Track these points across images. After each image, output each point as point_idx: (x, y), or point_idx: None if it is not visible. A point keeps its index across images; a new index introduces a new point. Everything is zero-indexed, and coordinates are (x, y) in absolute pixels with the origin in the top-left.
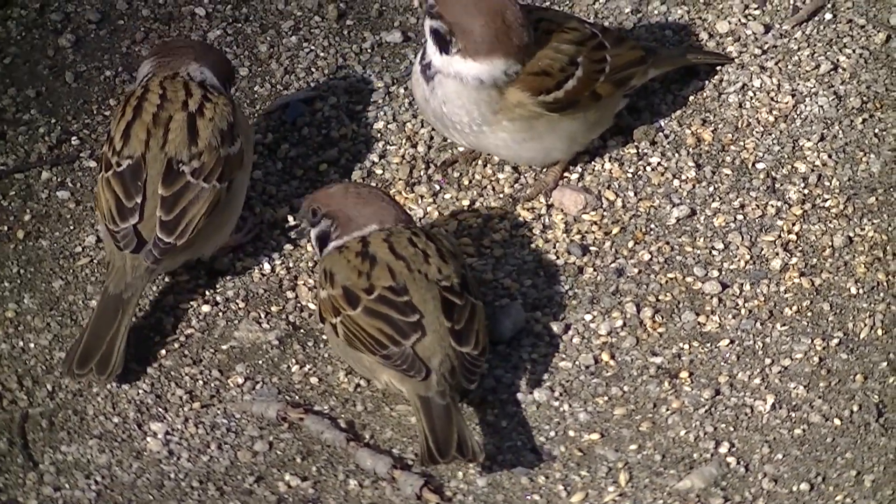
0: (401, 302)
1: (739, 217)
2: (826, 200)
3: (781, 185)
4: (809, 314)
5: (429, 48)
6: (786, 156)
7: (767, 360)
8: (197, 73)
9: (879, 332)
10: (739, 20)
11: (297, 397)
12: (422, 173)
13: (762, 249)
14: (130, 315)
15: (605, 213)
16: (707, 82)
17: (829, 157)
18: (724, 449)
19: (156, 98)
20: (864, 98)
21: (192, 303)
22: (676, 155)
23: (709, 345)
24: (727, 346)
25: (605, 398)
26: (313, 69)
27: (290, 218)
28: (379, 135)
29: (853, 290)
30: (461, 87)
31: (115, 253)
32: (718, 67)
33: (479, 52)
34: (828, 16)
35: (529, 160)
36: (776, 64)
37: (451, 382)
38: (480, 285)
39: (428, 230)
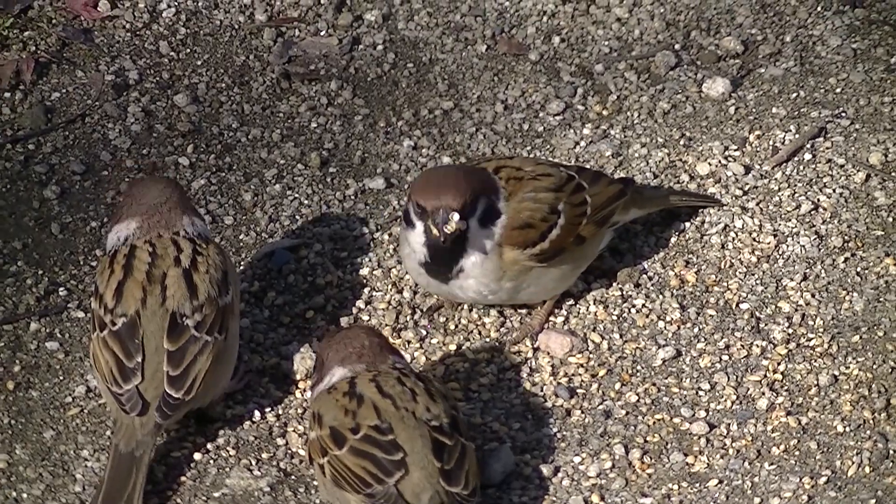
0: (385, 441)
1: (725, 357)
2: (810, 340)
3: (766, 324)
4: (797, 453)
5: (458, 253)
6: (769, 296)
7: (756, 500)
8: (189, 227)
9: (867, 469)
10: (720, 161)
11: None
12: (408, 318)
13: (748, 389)
14: (145, 472)
15: (591, 356)
16: (689, 223)
17: (813, 296)
18: None
19: (146, 256)
20: (846, 237)
21: (183, 450)
22: (660, 297)
23: (698, 485)
24: (716, 485)
25: None
26: (298, 217)
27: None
28: (364, 281)
29: (840, 429)
30: (479, 271)
31: (120, 411)
32: (700, 209)
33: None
34: (807, 156)
35: (525, 302)
36: (757, 204)
37: None
38: (469, 429)
39: (418, 372)
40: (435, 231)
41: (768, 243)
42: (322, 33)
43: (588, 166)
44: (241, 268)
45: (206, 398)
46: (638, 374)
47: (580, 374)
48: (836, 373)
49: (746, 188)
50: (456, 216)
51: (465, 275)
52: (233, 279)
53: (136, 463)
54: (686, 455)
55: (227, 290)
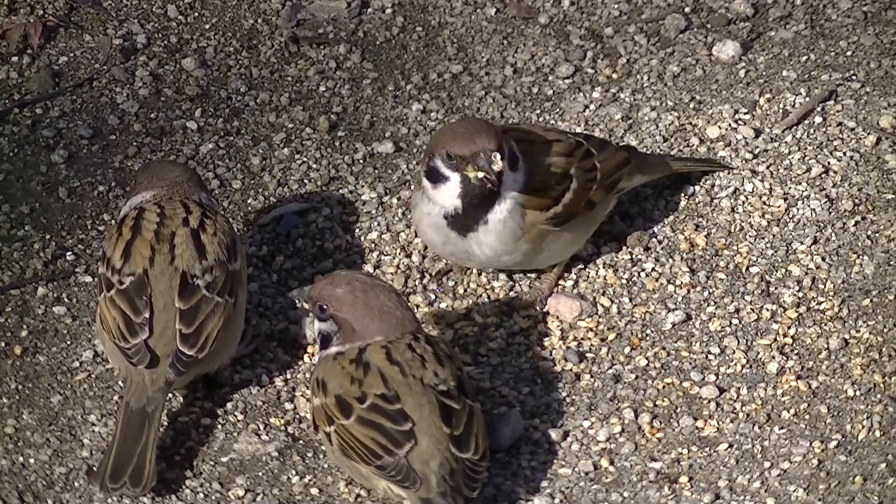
0: (392, 410)
1: (735, 321)
2: (821, 303)
3: (776, 288)
4: (807, 417)
5: (460, 200)
6: (779, 259)
7: (766, 464)
8: (201, 198)
9: (877, 433)
10: (730, 125)
11: None
12: (417, 283)
13: (758, 353)
14: (156, 427)
15: (600, 320)
16: (699, 187)
17: (823, 259)
18: None
19: (154, 216)
20: (856, 200)
21: (191, 415)
22: (670, 260)
23: (707, 449)
24: (726, 450)
25: None
26: (306, 181)
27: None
28: (373, 245)
29: (850, 392)
30: (502, 227)
31: (132, 369)
32: (710, 173)
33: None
34: (818, 119)
35: (534, 267)
36: (767, 168)
37: (451, 485)
38: (478, 394)
39: (427, 334)
40: (480, 175)
41: (778, 207)
42: None
43: (597, 130)
44: (250, 232)
45: (215, 363)
46: (647, 338)
47: (589, 339)
48: (847, 336)
49: (756, 151)
50: (498, 156)
51: (487, 229)
52: (240, 250)
53: (148, 419)
54: (696, 419)
55: (235, 258)
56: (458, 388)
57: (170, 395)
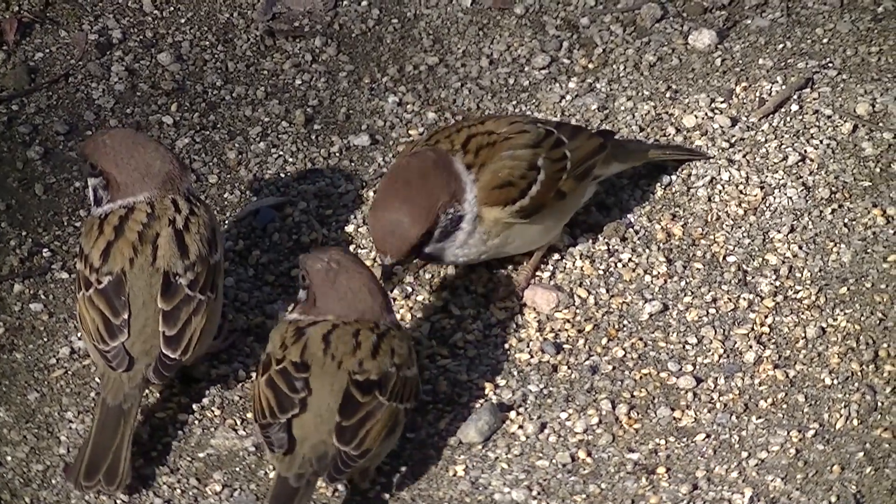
0: (296, 377)
1: (712, 311)
2: (798, 292)
3: (753, 277)
4: (785, 406)
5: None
6: (756, 248)
7: (744, 454)
8: (187, 186)
9: (855, 422)
10: (706, 114)
11: None
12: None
13: (735, 343)
14: (132, 425)
15: (577, 311)
16: (675, 177)
17: (800, 248)
18: None
19: (143, 217)
20: (833, 188)
21: (167, 411)
22: (647, 251)
23: (685, 439)
24: (703, 440)
25: (583, 496)
26: (282, 174)
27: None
28: (350, 238)
29: (827, 381)
30: (469, 242)
31: (107, 367)
32: (687, 162)
33: (460, 197)
34: (794, 107)
35: (508, 255)
36: (744, 157)
37: (316, 469)
38: (454, 386)
39: (389, 329)
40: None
41: (755, 195)
42: None
43: (573, 121)
44: (226, 226)
45: (193, 357)
46: (624, 328)
47: (566, 330)
48: (824, 325)
49: (733, 140)
50: (389, 259)
51: (452, 252)
52: (219, 236)
53: (125, 416)
54: (673, 410)
55: (215, 248)
56: (378, 384)
57: (146, 390)
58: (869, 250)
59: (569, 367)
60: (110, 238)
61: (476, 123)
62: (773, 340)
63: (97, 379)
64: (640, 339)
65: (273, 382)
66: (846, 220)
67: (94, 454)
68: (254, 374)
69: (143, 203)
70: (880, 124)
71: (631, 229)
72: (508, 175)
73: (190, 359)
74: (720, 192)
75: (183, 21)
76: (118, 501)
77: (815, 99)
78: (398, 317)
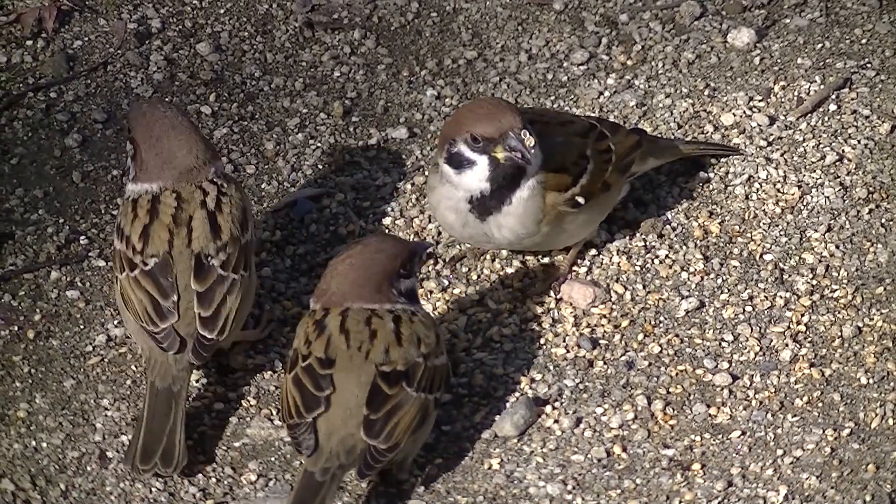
0: (321, 374)
1: (748, 309)
2: (834, 291)
3: (789, 276)
4: (820, 405)
5: (499, 185)
6: (793, 247)
7: (779, 451)
8: (212, 173)
9: (890, 421)
10: (744, 112)
11: None
12: (430, 268)
13: (772, 341)
14: (183, 406)
15: (614, 307)
16: (713, 174)
17: (837, 247)
18: None
19: (171, 201)
20: (871, 188)
21: (203, 400)
22: (684, 247)
23: (720, 436)
24: (739, 437)
25: (618, 491)
26: (320, 166)
27: None
28: (386, 230)
29: (863, 381)
30: (523, 209)
31: (155, 349)
32: (724, 159)
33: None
34: (832, 107)
35: (550, 249)
36: (782, 155)
37: (343, 463)
38: (490, 380)
39: (411, 314)
40: (513, 154)
41: (792, 194)
42: None
43: (612, 117)
44: (263, 217)
45: (231, 337)
46: (661, 325)
47: (603, 325)
48: (860, 324)
49: (771, 139)
50: (527, 132)
51: (509, 211)
52: (250, 215)
53: (175, 398)
54: (709, 406)
55: (247, 228)
56: (405, 375)
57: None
58: None
59: (605, 363)
60: (146, 221)
61: (529, 110)
62: (810, 339)
63: (143, 363)
64: (677, 335)
65: (300, 380)
66: (883, 220)
67: (149, 438)
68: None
69: (168, 191)
70: None
71: (668, 226)
72: (562, 160)
73: (228, 339)
74: (758, 190)
75: (222, 11)
76: (153, 489)
77: (853, 99)
78: (433, 308)
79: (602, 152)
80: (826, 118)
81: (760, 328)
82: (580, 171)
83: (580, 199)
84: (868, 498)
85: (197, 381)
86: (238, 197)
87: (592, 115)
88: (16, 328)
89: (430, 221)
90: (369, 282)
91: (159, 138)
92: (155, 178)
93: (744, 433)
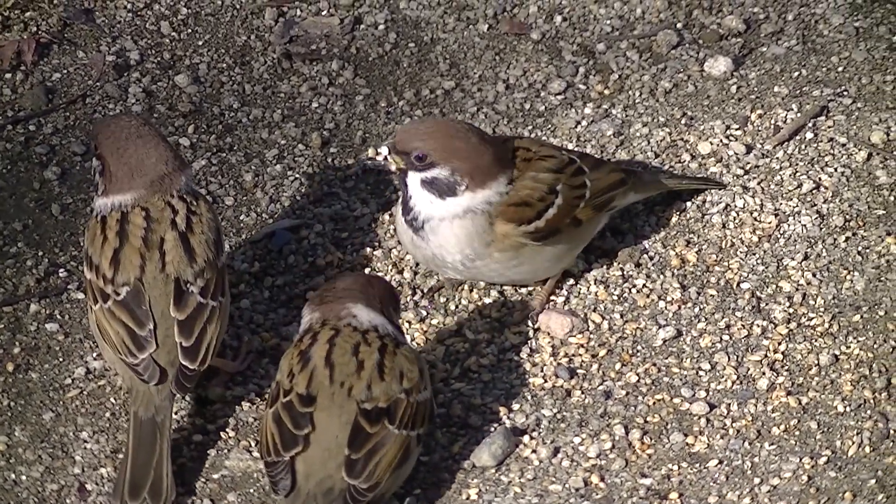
0: (300, 412)
1: (725, 337)
2: (811, 319)
3: (766, 304)
4: (797, 433)
5: (417, 200)
6: (770, 275)
7: (756, 480)
8: (181, 184)
9: (867, 449)
10: (721, 141)
11: None
12: (408, 299)
13: (749, 369)
14: (168, 437)
15: (591, 336)
16: (690, 203)
17: (814, 275)
18: None
19: (140, 220)
20: (847, 216)
21: (182, 432)
22: (661, 276)
23: (698, 465)
24: (716, 466)
25: None
26: (298, 197)
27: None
28: (365, 261)
29: (840, 409)
30: (459, 228)
31: (136, 379)
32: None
33: (485, 181)
34: (809, 135)
35: (519, 282)
36: (759, 184)
37: (323, 503)
38: (468, 410)
39: (396, 344)
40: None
41: (769, 223)
42: (323, 13)
43: (589, 146)
44: (241, 248)
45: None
46: (638, 354)
47: (580, 355)
48: (837, 352)
49: (748, 167)
50: (388, 148)
51: (433, 227)
52: (222, 234)
53: (159, 428)
54: (686, 435)
55: (221, 250)
56: (386, 411)
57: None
58: (882, 278)
59: (582, 392)
60: (116, 245)
61: (517, 138)
62: (787, 367)
63: (124, 393)
64: (654, 364)
65: (279, 417)
66: (860, 248)
67: (136, 471)
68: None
69: (137, 207)
70: (895, 153)
71: (645, 255)
72: (528, 196)
73: (205, 366)
74: (735, 218)
75: (200, 43)
76: None
77: (829, 127)
78: (412, 339)
79: (574, 188)
80: (803, 146)
81: (737, 357)
82: (546, 206)
83: (543, 233)
84: None
85: (176, 413)
86: (209, 217)
87: (579, 151)
88: None
89: (407, 252)
90: (374, 296)
91: (126, 147)
92: (126, 189)
93: (721, 462)
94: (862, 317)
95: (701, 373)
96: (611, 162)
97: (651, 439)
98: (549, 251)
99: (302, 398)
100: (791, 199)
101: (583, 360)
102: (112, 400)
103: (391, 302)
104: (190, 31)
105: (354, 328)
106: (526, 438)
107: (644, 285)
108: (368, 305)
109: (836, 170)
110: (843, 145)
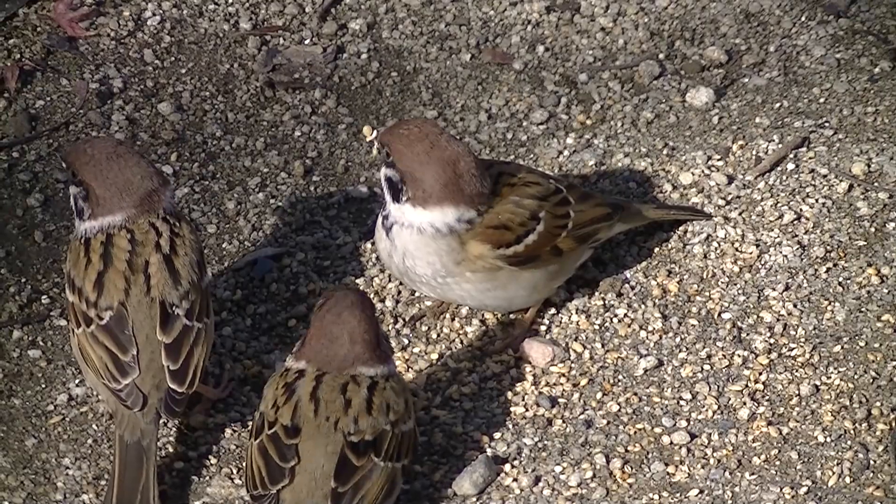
0: (286, 444)
1: (706, 367)
2: (792, 349)
3: (747, 334)
4: (778, 463)
5: (386, 196)
6: (751, 306)
7: None
8: (166, 204)
9: (847, 479)
10: (703, 171)
11: None
12: (390, 327)
13: (729, 399)
14: (154, 461)
15: (572, 365)
16: (672, 234)
17: (795, 306)
18: None
19: (125, 243)
20: (828, 247)
21: (164, 459)
22: (643, 306)
23: (678, 495)
24: (697, 496)
25: None
26: (281, 225)
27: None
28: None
29: (821, 439)
30: (419, 237)
31: (120, 404)
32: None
33: (428, 201)
34: (790, 166)
35: (494, 308)
36: (740, 214)
37: None
38: (450, 439)
39: (386, 378)
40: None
41: (750, 253)
42: (306, 42)
43: (571, 176)
44: (224, 277)
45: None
46: (619, 383)
47: (562, 384)
48: (818, 383)
49: (729, 198)
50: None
51: (400, 230)
52: (204, 255)
53: (145, 452)
54: (667, 465)
55: (204, 271)
56: (372, 444)
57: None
58: (863, 309)
59: (563, 421)
60: (100, 268)
61: (504, 164)
62: (767, 397)
63: (108, 417)
64: (635, 394)
65: (265, 449)
66: (841, 279)
67: (122, 496)
68: (249, 423)
69: (122, 229)
70: (875, 184)
71: (627, 285)
72: (508, 220)
73: (193, 389)
74: (716, 249)
75: (183, 71)
76: None
77: (811, 158)
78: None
79: (557, 217)
80: (784, 177)
81: (718, 386)
82: (527, 231)
83: (521, 258)
84: None
85: (158, 439)
86: (192, 238)
87: (568, 182)
88: None
89: (389, 280)
90: (373, 343)
91: (109, 168)
92: (115, 210)
93: (702, 491)
94: (843, 347)
95: (682, 402)
96: (599, 195)
97: (632, 468)
98: (526, 278)
99: (287, 430)
100: (772, 230)
101: (564, 390)
102: (94, 426)
103: (382, 333)
104: (173, 59)
105: (353, 375)
106: (507, 467)
107: (625, 315)
108: (371, 360)
109: (817, 201)
110: (825, 176)
